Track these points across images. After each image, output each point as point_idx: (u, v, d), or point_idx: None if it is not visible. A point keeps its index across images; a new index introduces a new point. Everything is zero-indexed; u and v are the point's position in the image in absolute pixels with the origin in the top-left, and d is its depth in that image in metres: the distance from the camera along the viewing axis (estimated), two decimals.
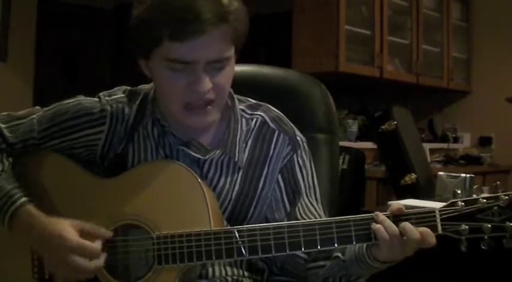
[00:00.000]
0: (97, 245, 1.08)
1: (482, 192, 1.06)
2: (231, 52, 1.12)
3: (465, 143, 4.70)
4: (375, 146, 3.52)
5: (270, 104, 1.32)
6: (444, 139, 4.59)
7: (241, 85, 1.28)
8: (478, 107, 4.64)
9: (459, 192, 1.07)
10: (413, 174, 3.10)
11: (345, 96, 3.94)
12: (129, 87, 1.26)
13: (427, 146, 4.00)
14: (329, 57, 3.71)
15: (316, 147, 1.48)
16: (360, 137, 3.96)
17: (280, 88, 1.57)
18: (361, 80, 4.11)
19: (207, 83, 1.09)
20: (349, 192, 3.08)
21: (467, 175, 2.41)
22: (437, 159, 4.18)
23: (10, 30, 4.63)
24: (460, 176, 2.42)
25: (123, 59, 5.35)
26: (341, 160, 3.06)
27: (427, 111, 4.82)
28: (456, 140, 4.65)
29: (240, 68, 1.22)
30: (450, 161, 4.22)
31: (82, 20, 5.29)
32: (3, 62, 4.62)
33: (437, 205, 2.25)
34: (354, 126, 3.93)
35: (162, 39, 1.06)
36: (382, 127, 3.19)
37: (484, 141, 4.60)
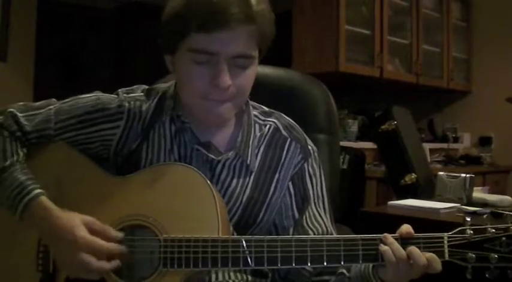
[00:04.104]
0: (111, 246, 1.08)
1: (492, 221, 1.06)
2: (255, 52, 1.13)
3: (465, 143, 4.70)
4: (375, 146, 3.52)
5: (271, 105, 1.32)
6: (444, 139, 4.60)
7: None
8: (478, 107, 4.65)
9: (469, 219, 1.06)
10: (413, 174, 3.10)
11: (345, 96, 3.93)
12: (147, 87, 1.26)
13: (427, 146, 3.99)
14: (329, 57, 3.71)
15: (317, 148, 1.48)
16: (360, 137, 3.96)
17: (280, 88, 1.57)
18: (361, 80, 4.11)
19: (228, 78, 1.10)
20: (349, 192, 3.07)
21: (467, 175, 2.41)
22: (437, 159, 4.18)
23: (10, 30, 4.63)
24: (460, 176, 2.41)
25: (123, 59, 5.35)
26: (341, 160, 3.06)
27: (427, 111, 4.82)
28: (456, 140, 4.65)
29: None
30: (450, 161, 4.22)
31: (82, 20, 5.29)
32: (3, 62, 4.61)
33: (437, 205, 2.25)
34: (354, 126, 3.93)
35: (189, 31, 1.08)
36: (382, 127, 3.19)
37: (484, 141, 4.60)
